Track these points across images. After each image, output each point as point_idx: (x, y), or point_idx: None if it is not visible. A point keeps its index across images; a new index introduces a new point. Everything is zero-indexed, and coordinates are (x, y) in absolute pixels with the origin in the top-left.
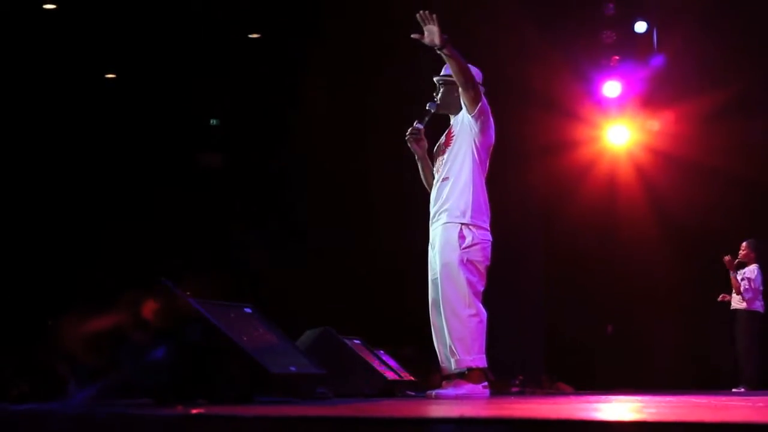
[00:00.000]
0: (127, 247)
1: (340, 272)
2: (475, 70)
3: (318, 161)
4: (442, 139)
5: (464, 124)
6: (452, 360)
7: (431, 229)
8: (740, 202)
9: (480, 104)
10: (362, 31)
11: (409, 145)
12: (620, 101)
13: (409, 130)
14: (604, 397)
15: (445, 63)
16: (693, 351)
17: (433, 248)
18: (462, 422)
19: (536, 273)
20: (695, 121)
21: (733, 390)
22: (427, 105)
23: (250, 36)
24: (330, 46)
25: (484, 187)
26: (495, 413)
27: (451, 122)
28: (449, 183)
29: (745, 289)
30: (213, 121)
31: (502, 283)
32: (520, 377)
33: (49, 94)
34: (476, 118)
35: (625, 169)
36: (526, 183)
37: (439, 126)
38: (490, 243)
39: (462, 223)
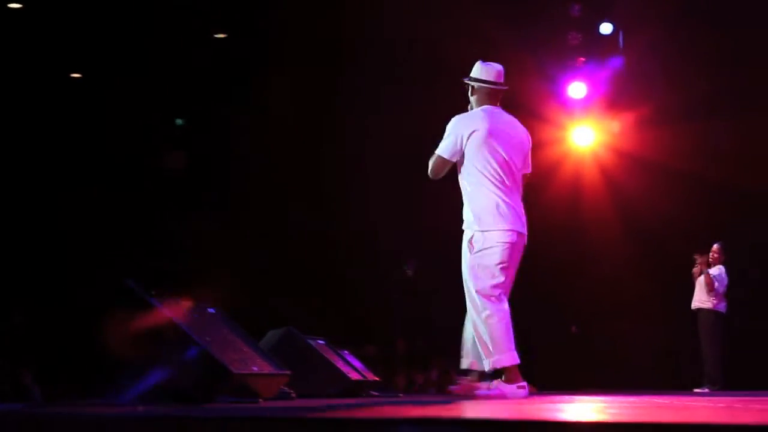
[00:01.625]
0: (92, 246)
1: (305, 273)
2: (493, 71)
3: (281, 161)
4: None
5: None
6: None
7: None
8: (703, 203)
9: (433, 167)
10: (324, 31)
11: None
12: (585, 102)
13: None
14: (567, 397)
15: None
16: (657, 351)
17: None
18: (424, 423)
19: None
20: (659, 122)
21: (696, 390)
22: (469, 107)
23: (216, 36)
24: (293, 45)
25: (498, 192)
26: (455, 414)
27: None
28: (463, 194)
29: (718, 289)
30: (178, 121)
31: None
32: (488, 378)
33: (14, 93)
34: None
35: (589, 170)
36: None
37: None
38: (509, 244)
39: (474, 230)
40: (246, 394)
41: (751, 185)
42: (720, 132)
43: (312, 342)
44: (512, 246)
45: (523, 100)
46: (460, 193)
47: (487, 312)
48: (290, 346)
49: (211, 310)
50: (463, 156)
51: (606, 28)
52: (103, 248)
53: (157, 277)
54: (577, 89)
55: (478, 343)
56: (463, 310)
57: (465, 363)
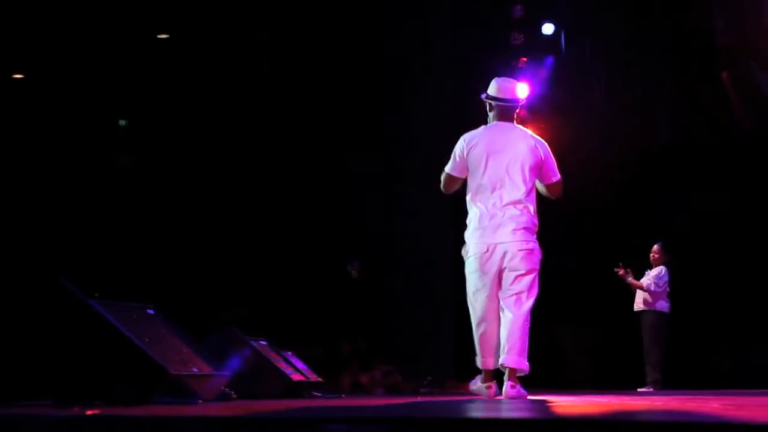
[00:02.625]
0: (33, 247)
1: (249, 273)
2: (502, 87)
3: (228, 160)
4: None
5: None
6: None
7: None
8: (640, 204)
9: (443, 183)
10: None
11: None
12: (528, 103)
13: None
14: (503, 398)
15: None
16: (600, 352)
17: None
18: (351, 422)
19: (447, 275)
20: (599, 121)
21: (639, 390)
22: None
23: (159, 36)
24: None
25: (484, 205)
26: (381, 413)
27: None
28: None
29: (654, 291)
30: (122, 122)
31: (413, 286)
32: (429, 378)
33: None
34: None
35: None
36: (437, 185)
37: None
38: (479, 254)
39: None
40: (185, 395)
41: (693, 182)
42: (659, 130)
43: (254, 343)
44: (482, 256)
45: (465, 101)
46: (412, 195)
47: (473, 320)
48: (231, 346)
49: (150, 311)
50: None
51: (548, 29)
52: (39, 247)
53: (96, 277)
54: (519, 90)
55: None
56: (413, 312)
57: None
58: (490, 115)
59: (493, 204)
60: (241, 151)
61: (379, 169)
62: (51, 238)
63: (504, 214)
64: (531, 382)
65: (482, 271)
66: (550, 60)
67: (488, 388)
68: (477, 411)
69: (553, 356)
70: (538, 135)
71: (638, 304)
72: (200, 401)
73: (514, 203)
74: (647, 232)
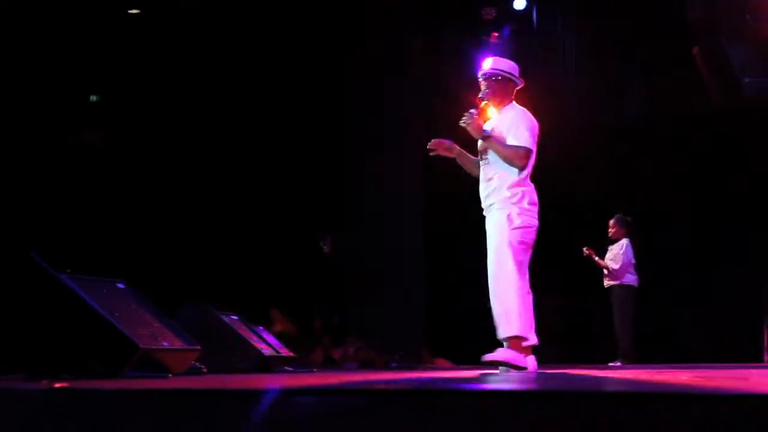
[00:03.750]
0: (3, 222)
1: (221, 249)
2: (511, 65)
3: (202, 136)
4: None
5: (506, 125)
6: None
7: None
8: (612, 178)
9: (528, 159)
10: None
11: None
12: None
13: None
14: (477, 372)
15: (485, 58)
16: (572, 326)
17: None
18: (319, 392)
19: (417, 248)
20: (571, 97)
21: (610, 364)
22: (480, 94)
23: (130, 11)
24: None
25: (529, 181)
26: (350, 386)
27: (498, 116)
28: (493, 181)
29: (616, 264)
30: (93, 98)
31: (385, 259)
32: (400, 352)
33: None
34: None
35: None
36: (405, 164)
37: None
38: (533, 228)
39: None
40: (155, 369)
41: (662, 156)
42: (630, 113)
43: (225, 317)
44: (536, 230)
45: (435, 76)
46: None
47: (515, 285)
48: (203, 321)
49: (120, 285)
50: None
51: (519, 4)
52: (9, 223)
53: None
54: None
55: (498, 317)
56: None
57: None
58: (503, 92)
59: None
60: (214, 127)
61: (356, 148)
62: (22, 213)
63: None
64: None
65: (531, 245)
66: (506, 30)
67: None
68: (443, 383)
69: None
70: None
71: (607, 280)
72: (170, 375)
73: None
74: (615, 208)
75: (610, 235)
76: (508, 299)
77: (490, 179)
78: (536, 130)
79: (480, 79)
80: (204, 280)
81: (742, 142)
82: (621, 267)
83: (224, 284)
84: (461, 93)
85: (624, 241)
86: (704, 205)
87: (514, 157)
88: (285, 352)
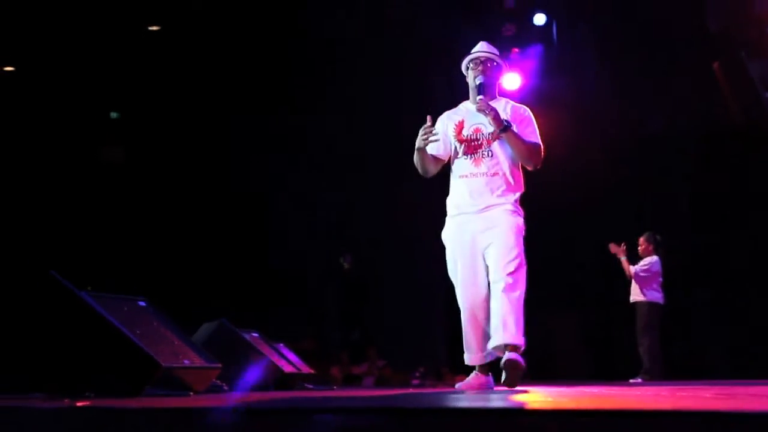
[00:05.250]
0: (25, 240)
1: (243, 267)
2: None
3: (223, 151)
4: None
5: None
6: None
7: (477, 218)
8: (633, 193)
9: (542, 159)
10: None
11: (421, 142)
12: (520, 93)
13: (427, 125)
14: (497, 388)
15: (481, 40)
16: (594, 342)
17: (473, 234)
18: (339, 411)
19: (437, 265)
20: (591, 111)
21: (631, 381)
22: (479, 79)
23: (150, 28)
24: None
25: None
26: (376, 403)
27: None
28: (500, 177)
29: (644, 277)
30: (113, 114)
31: (404, 276)
32: (421, 369)
33: None
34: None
35: None
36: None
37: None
38: None
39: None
40: (177, 387)
41: (686, 171)
42: (650, 121)
43: (245, 335)
44: None
45: (458, 91)
46: (397, 186)
47: (522, 290)
48: (223, 338)
49: (141, 303)
50: None
51: (539, 19)
52: (31, 240)
53: (88, 270)
54: (511, 81)
55: (511, 321)
56: (405, 304)
57: (482, 358)
58: (497, 79)
59: None
60: (229, 143)
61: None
62: (42, 231)
63: None
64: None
65: None
66: (538, 49)
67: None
68: (462, 401)
69: (549, 347)
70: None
71: (633, 296)
72: (192, 393)
73: None
74: (641, 222)
75: (639, 252)
76: (521, 309)
77: (494, 174)
78: None
79: (471, 64)
80: (224, 296)
81: (763, 156)
82: (645, 279)
83: (244, 301)
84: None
85: (652, 258)
86: (725, 220)
87: (535, 154)
88: (305, 368)
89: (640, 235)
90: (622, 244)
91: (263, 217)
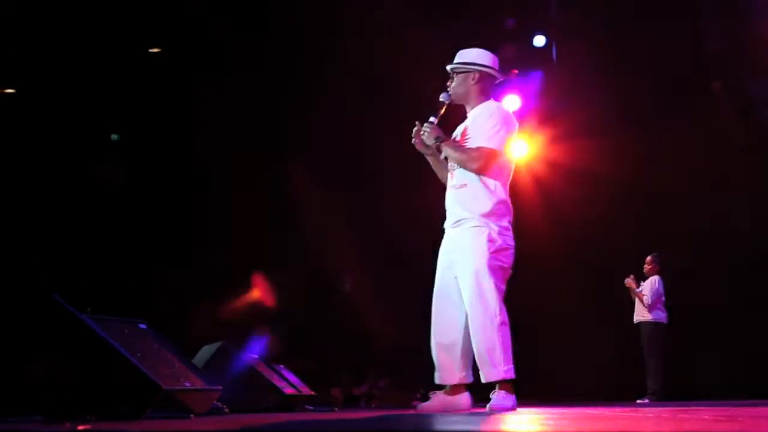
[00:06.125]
0: (25, 262)
1: (243, 288)
2: (497, 59)
3: (224, 173)
4: (457, 135)
5: (477, 124)
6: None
7: (449, 235)
8: (635, 212)
9: (488, 161)
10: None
11: (415, 146)
12: (519, 115)
13: (416, 128)
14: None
15: (458, 51)
16: (597, 363)
17: (446, 254)
18: None
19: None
20: (590, 133)
21: (638, 401)
22: (441, 96)
23: (151, 50)
24: (231, 58)
25: (508, 193)
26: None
27: (468, 115)
28: (468, 188)
29: (648, 298)
30: (114, 136)
31: (406, 298)
32: (422, 390)
33: None
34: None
35: (524, 182)
36: (427, 198)
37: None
38: (512, 249)
39: (491, 228)
40: (178, 410)
41: (681, 192)
42: (652, 142)
43: (246, 357)
44: (514, 252)
45: (457, 113)
46: (401, 205)
47: (500, 318)
48: (223, 361)
49: (142, 326)
50: None
51: (539, 41)
52: (31, 263)
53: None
54: (510, 102)
55: (484, 352)
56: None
57: (455, 377)
58: (475, 87)
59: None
60: (231, 165)
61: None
62: (43, 253)
63: None
64: (530, 393)
65: (510, 269)
66: (538, 74)
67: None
68: (466, 424)
69: (554, 367)
70: (526, 145)
71: (637, 316)
72: (193, 416)
73: None
74: (644, 243)
75: (645, 271)
76: (493, 335)
77: (462, 186)
78: (507, 129)
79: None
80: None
81: (764, 177)
82: (652, 302)
83: (244, 322)
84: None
85: (655, 278)
86: (726, 243)
87: (471, 160)
88: (306, 390)
89: (647, 255)
90: (631, 277)
91: (266, 237)
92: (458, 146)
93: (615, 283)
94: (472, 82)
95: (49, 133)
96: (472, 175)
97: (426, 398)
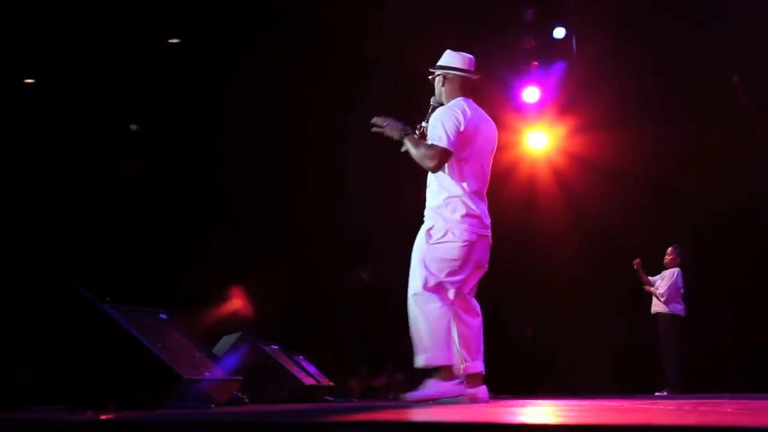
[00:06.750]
0: (46, 252)
1: (263, 278)
2: (466, 58)
3: (242, 165)
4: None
5: (431, 124)
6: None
7: None
8: (653, 204)
9: (438, 159)
10: (287, 34)
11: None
12: (539, 106)
13: (378, 120)
14: (521, 401)
15: (440, 54)
16: (615, 354)
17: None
18: (363, 426)
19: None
20: (611, 125)
21: (656, 394)
22: (431, 100)
23: (171, 41)
24: (253, 50)
25: (469, 188)
26: (397, 417)
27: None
28: (431, 185)
29: (662, 290)
30: (133, 127)
31: None
32: None
33: None
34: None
35: (543, 173)
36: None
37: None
38: (468, 242)
39: (437, 221)
40: (198, 400)
41: (699, 186)
42: (669, 135)
43: (266, 347)
44: (470, 245)
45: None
46: (421, 196)
47: (431, 306)
48: (244, 351)
49: (163, 316)
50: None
51: (559, 33)
52: (52, 253)
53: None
54: (530, 93)
55: (414, 339)
56: None
57: (460, 369)
58: (444, 89)
59: (475, 190)
60: (252, 155)
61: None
62: (64, 243)
63: (483, 201)
64: (548, 384)
65: (460, 261)
66: (560, 65)
67: (458, 384)
68: (491, 415)
69: (571, 359)
70: (545, 137)
71: (654, 307)
72: (213, 405)
73: (486, 188)
74: (663, 235)
75: (665, 262)
76: (419, 324)
77: (429, 184)
78: (458, 127)
79: None
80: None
81: None
82: (669, 295)
83: (266, 313)
84: (505, 121)
85: (675, 270)
86: (745, 236)
87: (421, 158)
88: (325, 381)
89: (667, 246)
90: (637, 261)
91: (287, 229)
92: (417, 142)
93: (632, 274)
94: (441, 85)
95: (69, 123)
96: (435, 175)
97: None
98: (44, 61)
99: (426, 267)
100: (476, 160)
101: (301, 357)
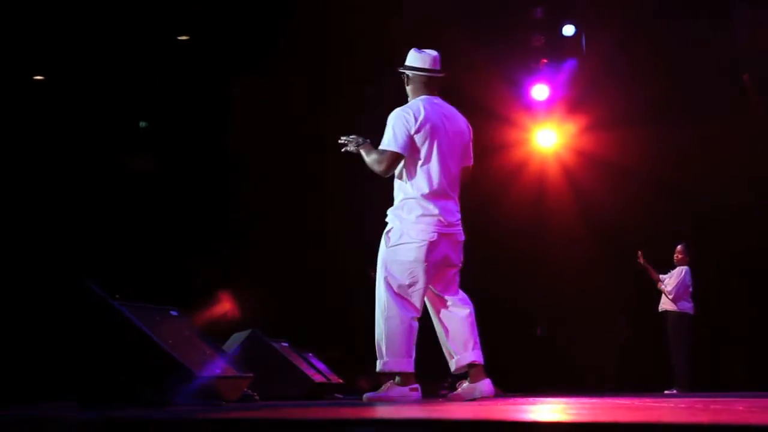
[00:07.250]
0: (57, 249)
1: (271, 275)
2: (429, 57)
3: (253, 162)
4: None
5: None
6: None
7: None
8: (662, 202)
9: (387, 163)
10: (294, 31)
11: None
12: (548, 104)
13: (342, 140)
14: (530, 399)
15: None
16: (624, 352)
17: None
18: (379, 423)
19: (463, 275)
20: (620, 123)
21: (666, 392)
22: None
23: (179, 38)
24: (261, 46)
25: (428, 188)
26: (409, 415)
27: None
28: (394, 189)
29: (669, 287)
30: (142, 124)
31: None
32: (449, 380)
33: None
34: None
35: (553, 171)
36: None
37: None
38: (427, 242)
39: (395, 223)
40: (209, 397)
41: (708, 184)
42: (680, 133)
43: (275, 344)
44: (430, 245)
45: (487, 102)
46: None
47: (387, 313)
48: (253, 348)
49: (173, 313)
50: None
51: (568, 30)
52: (63, 250)
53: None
54: (540, 91)
55: (376, 343)
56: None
57: (452, 364)
58: (409, 89)
59: (436, 189)
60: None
61: None
62: (74, 240)
63: (448, 200)
64: (557, 382)
65: (424, 260)
66: (571, 63)
67: (414, 390)
68: (512, 413)
69: (580, 358)
70: (555, 135)
71: (662, 305)
72: (224, 403)
73: (456, 186)
74: (672, 233)
75: (675, 260)
76: (379, 329)
77: (393, 190)
78: (408, 130)
79: None
80: (254, 305)
81: None
82: (677, 293)
83: (273, 309)
84: (514, 119)
85: (684, 268)
86: (755, 235)
87: (372, 162)
88: (334, 378)
89: (676, 245)
90: (640, 253)
91: (294, 225)
92: (369, 150)
93: (640, 270)
94: (406, 85)
95: (78, 120)
96: (395, 180)
97: (453, 388)
98: (53, 58)
99: (387, 270)
100: (440, 159)
101: (310, 354)
